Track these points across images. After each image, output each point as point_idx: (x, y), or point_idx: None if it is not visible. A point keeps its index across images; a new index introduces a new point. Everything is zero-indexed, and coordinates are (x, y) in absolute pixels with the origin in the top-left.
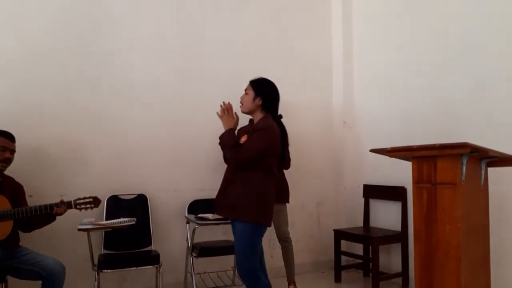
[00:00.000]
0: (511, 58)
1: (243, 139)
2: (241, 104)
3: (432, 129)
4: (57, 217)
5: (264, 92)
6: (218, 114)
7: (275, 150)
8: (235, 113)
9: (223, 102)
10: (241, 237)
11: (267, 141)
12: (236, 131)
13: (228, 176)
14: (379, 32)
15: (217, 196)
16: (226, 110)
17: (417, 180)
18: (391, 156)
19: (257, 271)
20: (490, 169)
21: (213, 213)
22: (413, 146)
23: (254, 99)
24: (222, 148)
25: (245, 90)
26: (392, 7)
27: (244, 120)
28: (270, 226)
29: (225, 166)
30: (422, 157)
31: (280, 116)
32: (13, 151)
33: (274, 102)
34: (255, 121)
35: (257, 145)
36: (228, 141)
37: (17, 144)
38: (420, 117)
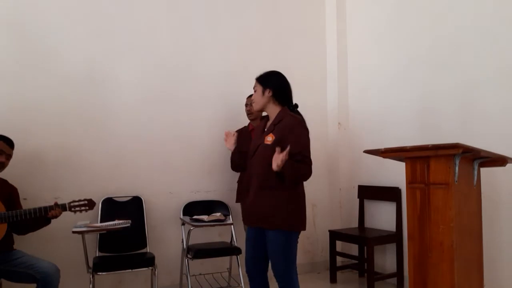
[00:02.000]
0: (502, 59)
1: (269, 138)
2: (253, 103)
3: (426, 129)
4: (52, 220)
5: (271, 83)
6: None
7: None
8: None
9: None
10: (279, 245)
11: (308, 136)
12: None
13: (256, 184)
14: (373, 34)
15: (247, 204)
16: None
17: (411, 181)
18: (384, 157)
19: (293, 278)
20: (482, 169)
21: (208, 215)
22: (406, 147)
23: (263, 92)
24: (294, 181)
25: (254, 87)
26: (385, 10)
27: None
28: (305, 229)
29: (220, 168)
30: (415, 157)
31: (296, 105)
32: (9, 156)
33: (285, 90)
34: (272, 115)
35: (308, 143)
36: (292, 170)
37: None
38: (414, 118)
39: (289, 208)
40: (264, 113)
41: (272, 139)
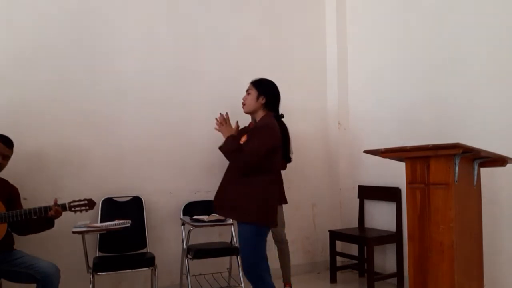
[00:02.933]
0: (503, 59)
1: (243, 139)
2: (243, 105)
3: (426, 130)
4: (56, 220)
5: (267, 91)
6: (216, 128)
7: (276, 148)
8: (237, 121)
9: (220, 114)
10: (242, 238)
11: (267, 140)
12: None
13: (228, 176)
14: (373, 34)
15: (217, 195)
16: (224, 122)
17: (411, 181)
18: (384, 157)
19: (261, 271)
20: (482, 169)
21: (208, 215)
22: (406, 147)
23: (257, 98)
24: (226, 157)
25: (247, 90)
26: (386, 9)
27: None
28: (274, 227)
29: (221, 168)
30: (415, 157)
31: (282, 116)
32: (6, 157)
33: (276, 101)
34: (257, 120)
35: (259, 145)
36: (231, 146)
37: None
38: (414, 118)
39: (256, 204)
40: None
41: (245, 139)
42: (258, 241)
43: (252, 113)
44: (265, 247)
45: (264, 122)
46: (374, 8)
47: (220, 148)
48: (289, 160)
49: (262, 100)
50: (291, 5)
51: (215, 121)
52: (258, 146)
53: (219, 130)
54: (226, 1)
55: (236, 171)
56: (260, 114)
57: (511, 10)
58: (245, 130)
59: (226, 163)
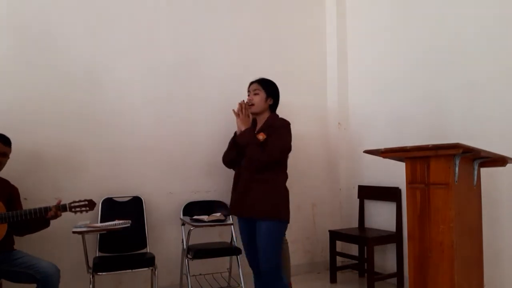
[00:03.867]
0: (503, 58)
1: (261, 137)
2: (251, 104)
3: (426, 130)
4: (52, 220)
5: (274, 92)
6: (234, 111)
7: (291, 148)
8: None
9: (243, 101)
10: (267, 236)
11: (289, 138)
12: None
13: (246, 177)
14: (373, 34)
15: (235, 197)
16: (245, 109)
17: (411, 181)
18: (384, 157)
19: (280, 270)
20: (482, 169)
21: (208, 215)
22: (406, 147)
23: (266, 99)
24: (243, 147)
25: (254, 90)
26: (385, 10)
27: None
28: (289, 222)
29: (220, 168)
30: (415, 157)
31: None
32: (5, 155)
33: (278, 102)
34: (261, 120)
35: (284, 143)
36: (251, 139)
37: (12, 147)
38: (414, 118)
39: (275, 201)
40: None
41: (263, 137)
42: (280, 240)
43: (259, 114)
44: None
45: (282, 122)
46: (374, 8)
47: (237, 139)
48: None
49: (270, 101)
50: (291, 5)
51: (234, 110)
52: (284, 143)
53: (237, 116)
54: (226, 1)
55: (253, 168)
56: (265, 115)
57: (511, 9)
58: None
59: None
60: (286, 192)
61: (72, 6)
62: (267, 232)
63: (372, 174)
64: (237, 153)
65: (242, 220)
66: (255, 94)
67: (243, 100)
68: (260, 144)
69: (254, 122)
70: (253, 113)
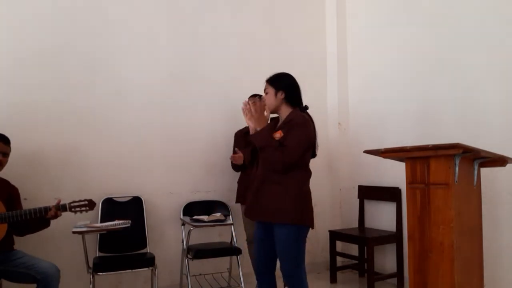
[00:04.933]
0: (503, 59)
1: (278, 135)
2: (265, 104)
3: (426, 130)
4: (52, 220)
5: (284, 84)
6: (247, 118)
7: (311, 144)
8: (268, 115)
9: (246, 100)
10: (285, 241)
11: (308, 136)
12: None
13: (260, 178)
14: (373, 34)
15: (250, 198)
16: (259, 107)
17: (411, 181)
18: (385, 157)
19: (304, 276)
20: (482, 169)
21: (208, 215)
22: (406, 147)
23: (276, 94)
24: (259, 149)
25: (264, 90)
26: (385, 9)
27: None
28: (313, 227)
29: (220, 168)
30: (416, 158)
31: (306, 107)
32: (5, 154)
33: (296, 92)
34: (283, 116)
35: (301, 143)
36: (269, 142)
37: (13, 147)
38: (414, 118)
39: (292, 203)
40: (272, 115)
41: (280, 135)
42: (299, 244)
43: (275, 111)
44: (305, 249)
45: (300, 119)
46: (374, 8)
47: (252, 139)
48: (315, 155)
49: (281, 95)
50: (291, 5)
51: (243, 110)
52: (300, 143)
53: (249, 119)
54: (226, 1)
55: (271, 170)
56: (285, 110)
57: (511, 9)
58: (271, 127)
59: (226, 163)
60: (303, 193)
61: (72, 6)
62: (282, 238)
63: (372, 174)
64: (251, 152)
65: (260, 224)
66: (266, 93)
67: (246, 101)
68: (278, 143)
69: (276, 120)
70: (271, 113)
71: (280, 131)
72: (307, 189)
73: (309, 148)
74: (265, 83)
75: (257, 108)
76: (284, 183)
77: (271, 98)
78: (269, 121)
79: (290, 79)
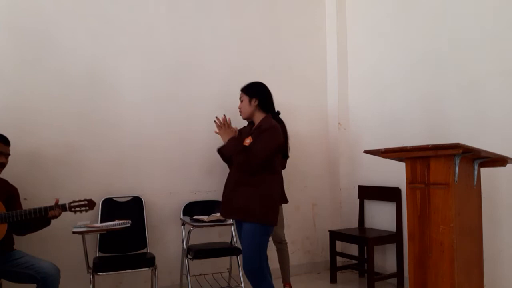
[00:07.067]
0: (503, 58)
1: (248, 141)
2: (240, 112)
3: (426, 130)
4: (52, 220)
5: (256, 92)
6: (216, 132)
7: (279, 148)
8: (235, 128)
9: (216, 118)
10: (248, 237)
11: (274, 141)
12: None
13: (235, 178)
14: (373, 34)
15: (224, 198)
16: (224, 124)
17: (411, 181)
18: (385, 157)
19: (263, 271)
20: (482, 169)
21: (208, 215)
22: (406, 147)
23: (250, 101)
24: (233, 158)
25: (240, 98)
26: (385, 8)
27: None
28: (275, 225)
29: (220, 168)
30: (416, 157)
31: (278, 113)
32: (7, 155)
33: (268, 99)
34: (256, 122)
35: (266, 147)
36: (235, 147)
37: (12, 147)
38: (414, 118)
39: (257, 203)
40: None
41: (250, 141)
42: (262, 241)
43: (250, 117)
44: (267, 247)
45: (267, 124)
46: (374, 8)
47: (222, 150)
48: (287, 156)
49: (254, 102)
50: (291, 5)
51: (214, 123)
52: (265, 147)
53: (218, 133)
54: (226, 1)
55: (242, 172)
56: (258, 116)
57: (511, 9)
58: (245, 132)
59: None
60: (270, 194)
61: (72, 7)
62: (247, 234)
63: (372, 174)
64: (225, 159)
65: (234, 220)
66: (241, 101)
67: (216, 117)
68: (248, 148)
69: (252, 124)
70: (245, 119)
71: (250, 137)
72: (275, 190)
73: (277, 152)
74: (240, 92)
75: (221, 124)
76: (253, 185)
77: (246, 105)
78: (237, 131)
79: (263, 87)
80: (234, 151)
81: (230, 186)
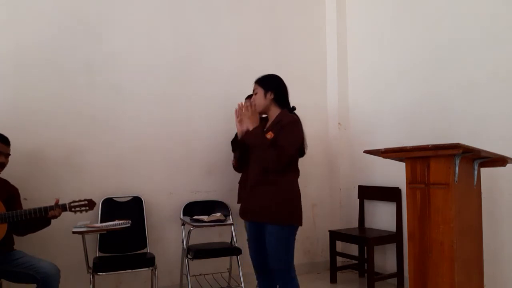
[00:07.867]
0: (504, 58)
1: (268, 136)
2: (254, 105)
3: (426, 130)
4: (52, 220)
5: (272, 85)
6: (238, 119)
7: (302, 144)
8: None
9: (241, 103)
10: (277, 239)
11: (300, 136)
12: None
13: (256, 178)
14: (373, 34)
15: (243, 199)
16: (249, 108)
17: (411, 181)
18: (385, 157)
19: (292, 272)
20: (482, 169)
21: (208, 215)
22: (406, 147)
23: (265, 95)
24: (253, 148)
25: (253, 90)
26: (385, 9)
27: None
28: (301, 225)
29: (220, 168)
30: (416, 157)
31: (294, 108)
32: (7, 155)
33: (285, 93)
34: (272, 117)
35: (295, 141)
36: (263, 140)
37: (12, 147)
38: (414, 118)
39: (284, 203)
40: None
41: (270, 136)
42: (290, 242)
43: (264, 111)
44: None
45: (290, 118)
46: (374, 8)
47: (244, 138)
48: (303, 154)
49: (270, 96)
50: (291, 5)
51: (235, 113)
52: (294, 141)
53: (239, 121)
54: (227, 2)
55: (266, 170)
56: (274, 111)
57: (511, 9)
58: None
59: (226, 163)
60: (293, 193)
61: (72, 6)
62: (274, 237)
63: (372, 174)
64: (240, 153)
65: (252, 223)
66: (255, 94)
67: (241, 102)
68: (275, 143)
69: (266, 120)
70: (260, 113)
71: (270, 132)
72: (297, 188)
73: (299, 147)
74: (254, 85)
75: (251, 107)
76: (277, 183)
77: (261, 99)
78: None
79: (279, 80)
80: (261, 144)
81: (250, 185)
